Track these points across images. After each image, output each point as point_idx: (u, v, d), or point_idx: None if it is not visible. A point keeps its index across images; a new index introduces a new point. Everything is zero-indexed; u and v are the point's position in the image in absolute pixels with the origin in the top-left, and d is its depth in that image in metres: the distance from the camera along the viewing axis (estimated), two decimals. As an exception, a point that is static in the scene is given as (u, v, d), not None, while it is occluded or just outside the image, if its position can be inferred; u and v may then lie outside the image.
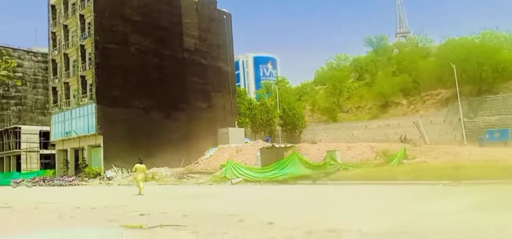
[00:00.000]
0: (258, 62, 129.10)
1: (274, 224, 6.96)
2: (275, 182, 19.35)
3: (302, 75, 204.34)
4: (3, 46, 57.70)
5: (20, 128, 55.71)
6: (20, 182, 40.80)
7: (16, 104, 62.23)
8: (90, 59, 41.75)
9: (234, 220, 7.67)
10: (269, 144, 36.08)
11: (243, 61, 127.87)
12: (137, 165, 18.61)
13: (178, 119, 44.78)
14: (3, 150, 57.52)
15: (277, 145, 31.75)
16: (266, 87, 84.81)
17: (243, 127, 55.18)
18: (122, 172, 37.08)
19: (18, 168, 54.14)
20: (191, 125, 45.72)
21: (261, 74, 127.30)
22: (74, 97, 43.82)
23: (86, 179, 37.41)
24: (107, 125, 39.40)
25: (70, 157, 44.93)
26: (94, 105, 40.04)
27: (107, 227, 7.42)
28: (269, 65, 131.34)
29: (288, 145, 32.71)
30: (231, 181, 21.75)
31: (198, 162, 37.67)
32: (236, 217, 8.13)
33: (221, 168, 26.32)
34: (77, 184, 34.76)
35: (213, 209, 10.09)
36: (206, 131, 46.76)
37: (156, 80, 43.68)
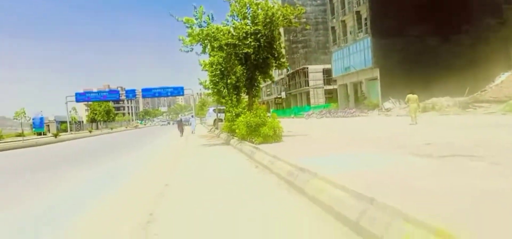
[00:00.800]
0: None
1: None
2: None
3: None
4: (289, -2, 67.07)
5: (307, 68, 64.13)
6: (311, 114, 47.62)
7: (303, 47, 71.74)
8: (362, -7, 42.62)
9: (546, 154, 6.47)
10: None
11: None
12: (409, 96, 18.64)
13: (459, 42, 40.08)
14: (296, 88, 68.22)
15: None
16: None
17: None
18: (400, 103, 37.09)
19: (308, 102, 63.18)
20: (476, 48, 40.05)
21: None
22: (350, 33, 46.37)
23: (366, 110, 39.67)
24: (382, 57, 39.86)
25: (350, 91, 48.53)
26: (369, 39, 41.15)
27: (397, 153, 7.79)
28: None
29: None
30: (535, 110, 18.06)
31: (485, 90, 32.94)
32: (549, 150, 6.81)
33: (518, 95, 22.15)
34: (358, 116, 37.41)
35: (513, 141, 8.77)
36: (496, 53, 39.91)
37: (431, 2, 40.20)
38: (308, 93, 64.40)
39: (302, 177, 5.97)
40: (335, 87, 54.90)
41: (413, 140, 10.22)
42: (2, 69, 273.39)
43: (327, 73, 60.13)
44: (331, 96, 60.97)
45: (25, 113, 55.36)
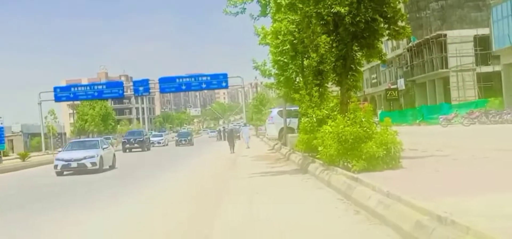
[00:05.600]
0: None
1: None
2: None
3: None
4: None
5: (445, 35, 62.05)
6: (452, 118, 46.08)
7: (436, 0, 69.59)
8: None
9: None
10: None
11: None
12: None
13: None
14: (424, 71, 66.20)
15: None
16: None
17: None
18: None
19: (447, 98, 61.09)
20: None
21: None
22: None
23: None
24: None
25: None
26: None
27: None
28: None
29: None
30: None
31: None
32: None
33: None
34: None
35: None
36: None
37: None
38: (447, 81, 62.23)
39: (441, 234, 5.82)
40: (498, 69, 52.68)
41: None
42: None
43: (481, 43, 57.93)
44: (489, 85, 58.59)
45: (-26, 121, 59.09)
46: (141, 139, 54.75)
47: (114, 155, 31.53)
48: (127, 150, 54.56)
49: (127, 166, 32.09)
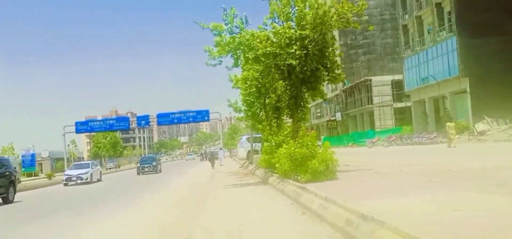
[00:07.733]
0: None
1: None
2: None
3: None
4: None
5: (370, 80, 63.42)
6: (376, 141, 46.91)
7: (364, 53, 71.06)
8: (444, -23, 42.11)
9: None
10: None
11: None
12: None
13: None
14: (355, 107, 67.43)
15: None
16: None
17: None
18: (498, 125, 35.97)
19: (372, 126, 62.24)
20: None
21: None
22: (428, 33, 45.69)
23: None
24: (474, 62, 38.72)
25: (429, 109, 47.46)
26: (454, 39, 40.35)
27: (494, 192, 7.58)
28: None
29: None
30: None
31: None
32: None
33: None
34: (440, 142, 36.48)
35: None
36: None
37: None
38: (372, 114, 63.48)
39: (364, 228, 5.95)
40: (409, 104, 53.81)
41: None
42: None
43: (397, 86, 59.09)
44: (403, 116, 59.71)
45: (13, 149, 57.62)
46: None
47: None
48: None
49: None
